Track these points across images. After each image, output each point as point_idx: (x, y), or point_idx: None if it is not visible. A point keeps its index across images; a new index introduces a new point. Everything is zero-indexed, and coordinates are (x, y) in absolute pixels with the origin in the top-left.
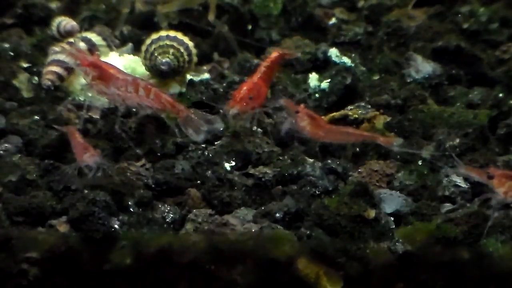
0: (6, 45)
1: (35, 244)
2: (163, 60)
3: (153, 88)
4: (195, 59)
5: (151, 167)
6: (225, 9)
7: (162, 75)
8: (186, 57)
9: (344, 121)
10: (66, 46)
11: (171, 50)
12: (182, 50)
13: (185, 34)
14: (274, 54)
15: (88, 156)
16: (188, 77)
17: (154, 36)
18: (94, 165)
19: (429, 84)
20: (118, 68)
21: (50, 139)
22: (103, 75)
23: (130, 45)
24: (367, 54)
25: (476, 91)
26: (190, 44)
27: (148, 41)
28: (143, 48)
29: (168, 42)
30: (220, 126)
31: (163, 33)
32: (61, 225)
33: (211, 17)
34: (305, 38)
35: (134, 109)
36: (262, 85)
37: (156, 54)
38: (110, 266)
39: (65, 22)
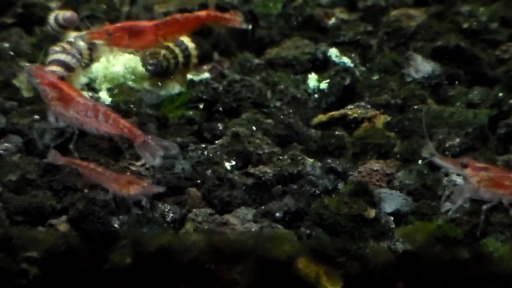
0: (6, 45)
1: (35, 244)
2: (150, 61)
3: (112, 114)
4: (194, 60)
5: (151, 167)
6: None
7: (152, 74)
8: (181, 58)
9: (343, 120)
10: (66, 46)
11: (163, 51)
12: (177, 51)
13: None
14: (199, 12)
15: (138, 189)
16: (189, 76)
17: None
18: (145, 198)
19: (429, 84)
20: (79, 91)
21: (54, 138)
22: (63, 96)
23: None
24: (367, 54)
25: (476, 91)
26: (190, 45)
27: None
28: None
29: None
30: (176, 151)
31: None
32: (61, 225)
33: None
34: (305, 38)
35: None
36: (151, 31)
37: (147, 54)
38: (110, 265)
39: (62, 13)
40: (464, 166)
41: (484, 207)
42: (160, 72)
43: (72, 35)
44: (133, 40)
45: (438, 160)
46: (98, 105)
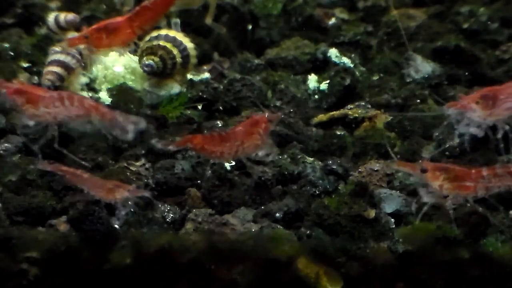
0: (6, 45)
1: (35, 244)
2: (146, 62)
3: (75, 95)
4: (193, 60)
5: (151, 167)
6: (225, 9)
7: (149, 75)
8: (178, 59)
9: (343, 120)
10: (66, 46)
11: (160, 52)
12: (175, 52)
13: (187, 34)
14: None
15: (123, 194)
16: (188, 76)
17: (154, 34)
18: (130, 203)
19: (429, 84)
20: (43, 88)
21: (50, 139)
22: (31, 98)
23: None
24: (367, 54)
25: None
26: (189, 45)
27: (146, 38)
28: (141, 44)
29: (161, 43)
30: (143, 126)
31: (163, 32)
32: (61, 225)
33: (208, 20)
34: (305, 38)
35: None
36: (126, 25)
37: (144, 54)
38: (110, 265)
39: (63, 14)
40: (424, 171)
41: (450, 204)
42: (157, 72)
43: (70, 36)
44: (111, 38)
45: (395, 165)
46: (61, 92)
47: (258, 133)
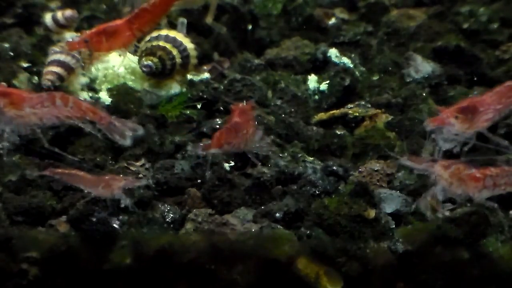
0: (6, 45)
1: (35, 244)
2: (145, 63)
3: (70, 97)
4: (193, 61)
5: (150, 167)
6: (225, 9)
7: (148, 76)
8: (178, 59)
9: (343, 119)
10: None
11: (159, 53)
12: (175, 52)
13: (187, 34)
14: None
15: (120, 184)
16: (188, 77)
17: (154, 34)
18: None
19: (429, 84)
20: (28, 91)
21: (50, 139)
22: (14, 99)
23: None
24: (367, 54)
25: (476, 91)
26: (190, 46)
27: (146, 39)
28: (141, 45)
29: (161, 43)
30: (141, 132)
31: (163, 32)
32: (61, 225)
33: (209, 19)
34: (304, 38)
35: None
36: (125, 28)
37: (143, 55)
38: (110, 265)
39: (61, 12)
40: (434, 160)
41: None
42: (156, 73)
43: (69, 36)
44: (111, 41)
45: (406, 161)
46: (53, 92)
47: (252, 120)
